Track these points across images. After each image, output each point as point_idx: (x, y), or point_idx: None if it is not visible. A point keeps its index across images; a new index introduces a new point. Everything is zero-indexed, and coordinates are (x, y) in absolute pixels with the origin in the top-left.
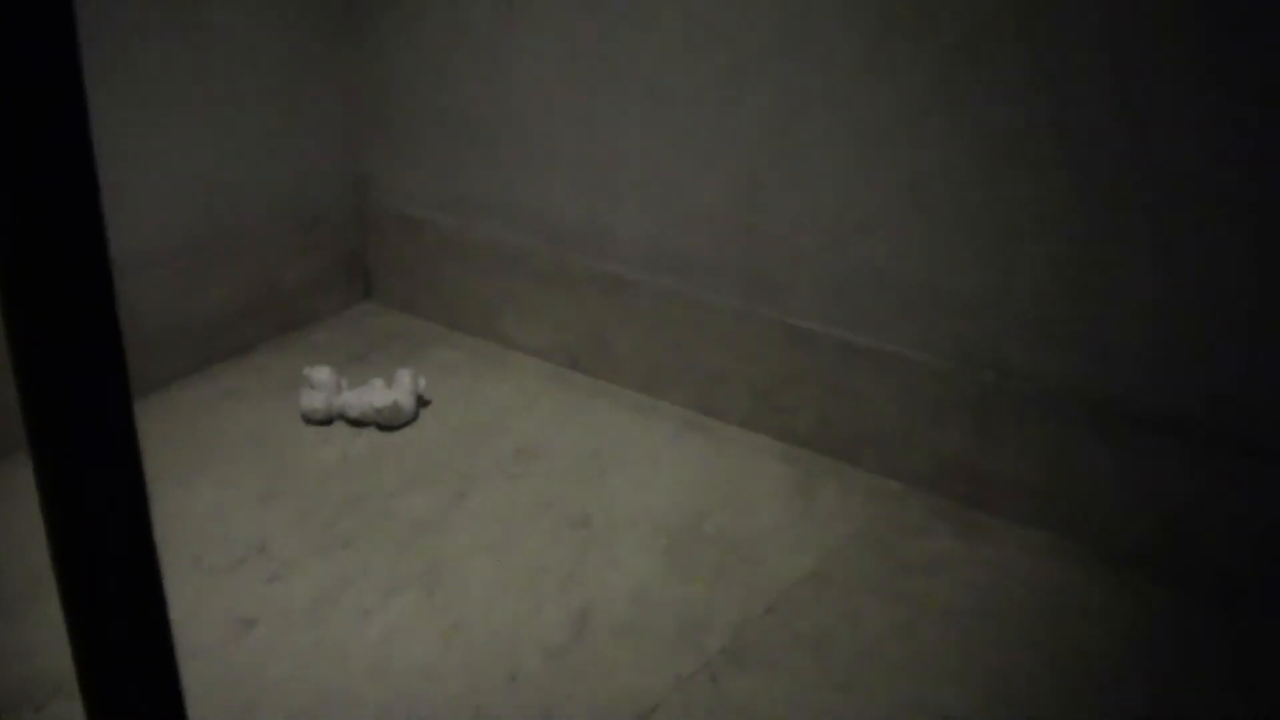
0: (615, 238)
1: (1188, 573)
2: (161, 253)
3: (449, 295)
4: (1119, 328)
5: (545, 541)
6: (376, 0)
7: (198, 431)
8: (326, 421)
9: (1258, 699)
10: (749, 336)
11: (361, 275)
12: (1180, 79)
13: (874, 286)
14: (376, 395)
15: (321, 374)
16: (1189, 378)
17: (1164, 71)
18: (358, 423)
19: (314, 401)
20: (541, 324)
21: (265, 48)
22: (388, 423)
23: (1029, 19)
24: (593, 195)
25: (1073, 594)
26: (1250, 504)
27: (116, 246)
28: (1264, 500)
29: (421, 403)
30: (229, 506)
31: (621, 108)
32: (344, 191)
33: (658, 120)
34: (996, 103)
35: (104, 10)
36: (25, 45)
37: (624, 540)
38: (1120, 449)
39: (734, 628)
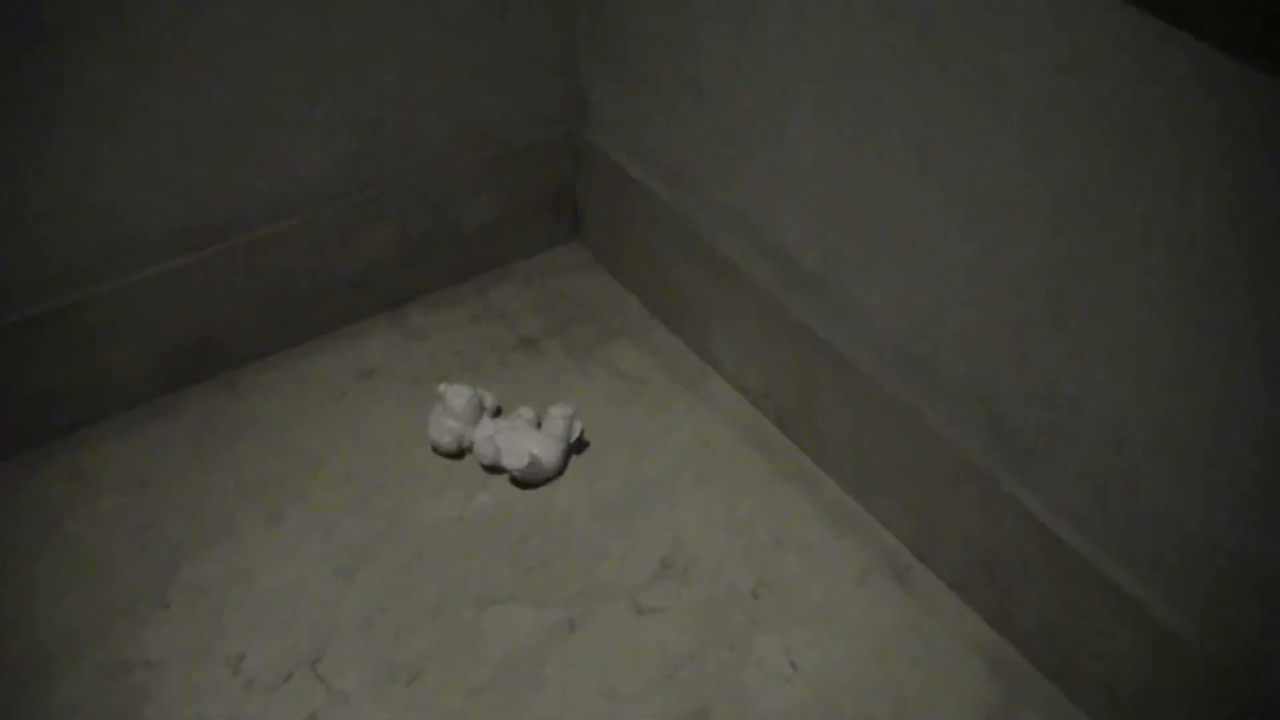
0: (850, 301)
1: None
2: (322, 179)
3: (655, 273)
4: None
5: None
6: None
7: (311, 427)
8: (457, 455)
9: None
10: (983, 490)
11: (570, 212)
12: None
13: (1167, 527)
14: (516, 445)
15: (459, 398)
16: None
17: None
18: (492, 467)
19: (443, 436)
20: (751, 359)
21: None
22: (524, 479)
23: None
24: (833, 238)
25: None
26: None
27: None
28: None
29: (575, 447)
30: (299, 580)
31: (893, 141)
32: (556, 119)
33: (940, 174)
34: None
35: None
36: None
37: None
38: None
39: None
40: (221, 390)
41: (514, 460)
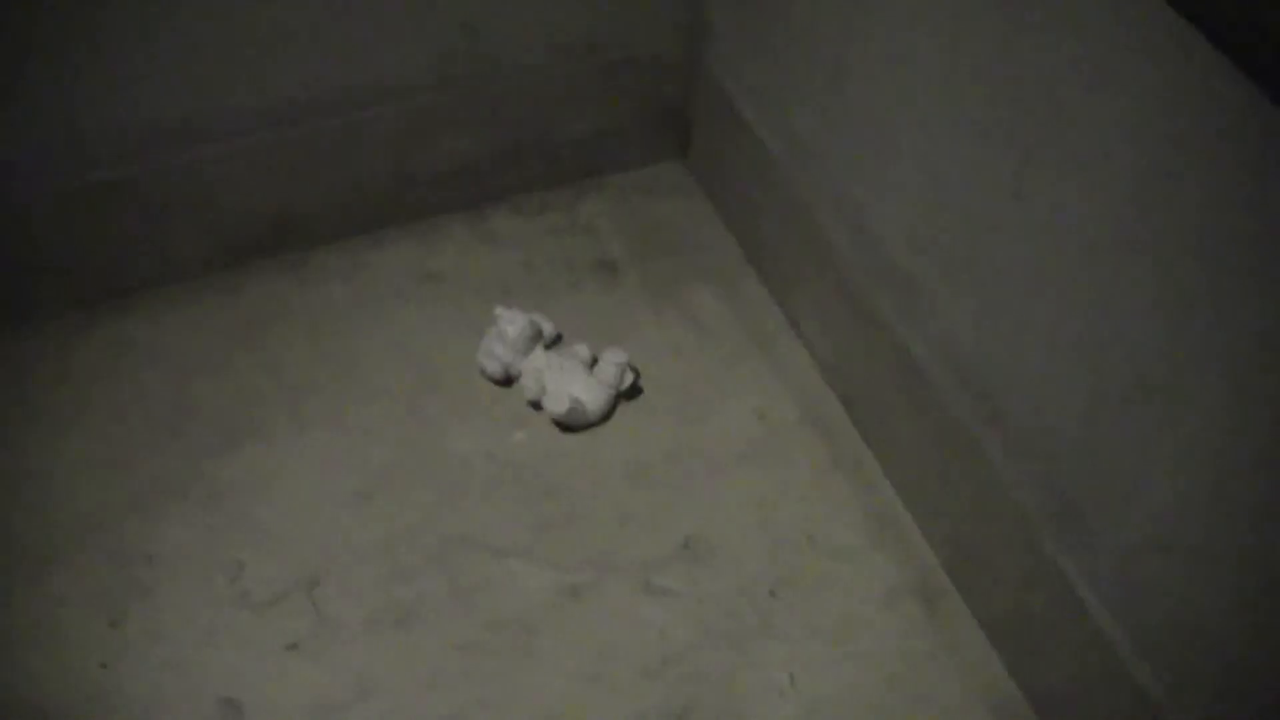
0: (933, 309)
1: None
2: (407, 75)
3: (752, 219)
4: None
5: None
6: None
7: (363, 330)
8: (504, 383)
9: None
10: (1027, 542)
11: (678, 130)
12: None
13: (1196, 639)
14: (561, 386)
15: (513, 325)
16: None
17: None
18: (534, 403)
19: (491, 362)
20: (828, 335)
21: None
22: (567, 422)
23: None
24: (927, 241)
25: None
26: None
27: None
28: None
29: (628, 392)
30: (316, 497)
31: (995, 159)
32: (671, 36)
33: (1038, 208)
34: None
35: None
36: None
37: None
38: None
39: None
40: (285, 271)
41: (555, 404)
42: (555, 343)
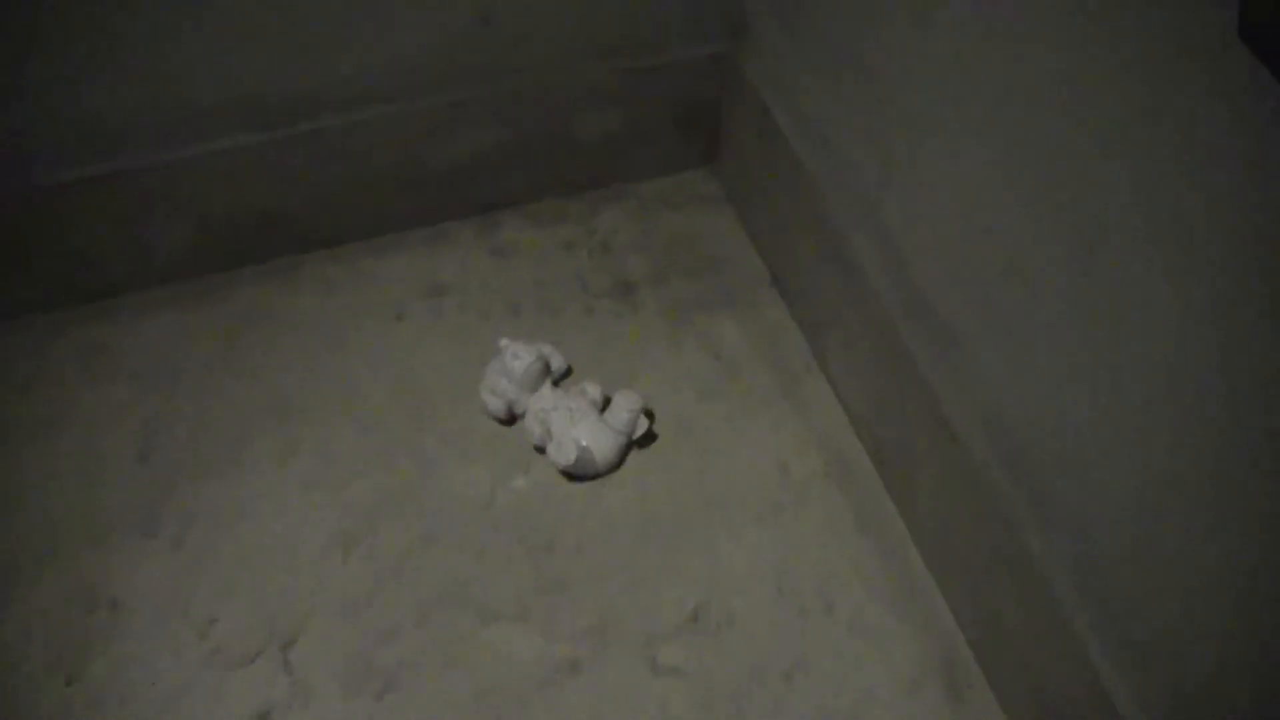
0: (973, 364)
1: None
2: (417, 69)
3: (782, 239)
4: None
5: None
6: None
7: (357, 347)
8: (506, 421)
9: None
10: (1056, 627)
11: (706, 136)
12: None
13: None
14: (567, 432)
15: (518, 362)
16: None
17: None
18: (538, 447)
19: (493, 399)
20: (859, 378)
21: None
22: (573, 472)
23: None
24: (971, 293)
25: None
26: None
27: None
28: None
29: (640, 440)
30: (295, 539)
31: (1060, 230)
32: (705, 34)
33: (1105, 286)
34: None
35: None
36: None
37: None
38: None
39: None
40: (277, 277)
41: (561, 453)
42: (564, 377)
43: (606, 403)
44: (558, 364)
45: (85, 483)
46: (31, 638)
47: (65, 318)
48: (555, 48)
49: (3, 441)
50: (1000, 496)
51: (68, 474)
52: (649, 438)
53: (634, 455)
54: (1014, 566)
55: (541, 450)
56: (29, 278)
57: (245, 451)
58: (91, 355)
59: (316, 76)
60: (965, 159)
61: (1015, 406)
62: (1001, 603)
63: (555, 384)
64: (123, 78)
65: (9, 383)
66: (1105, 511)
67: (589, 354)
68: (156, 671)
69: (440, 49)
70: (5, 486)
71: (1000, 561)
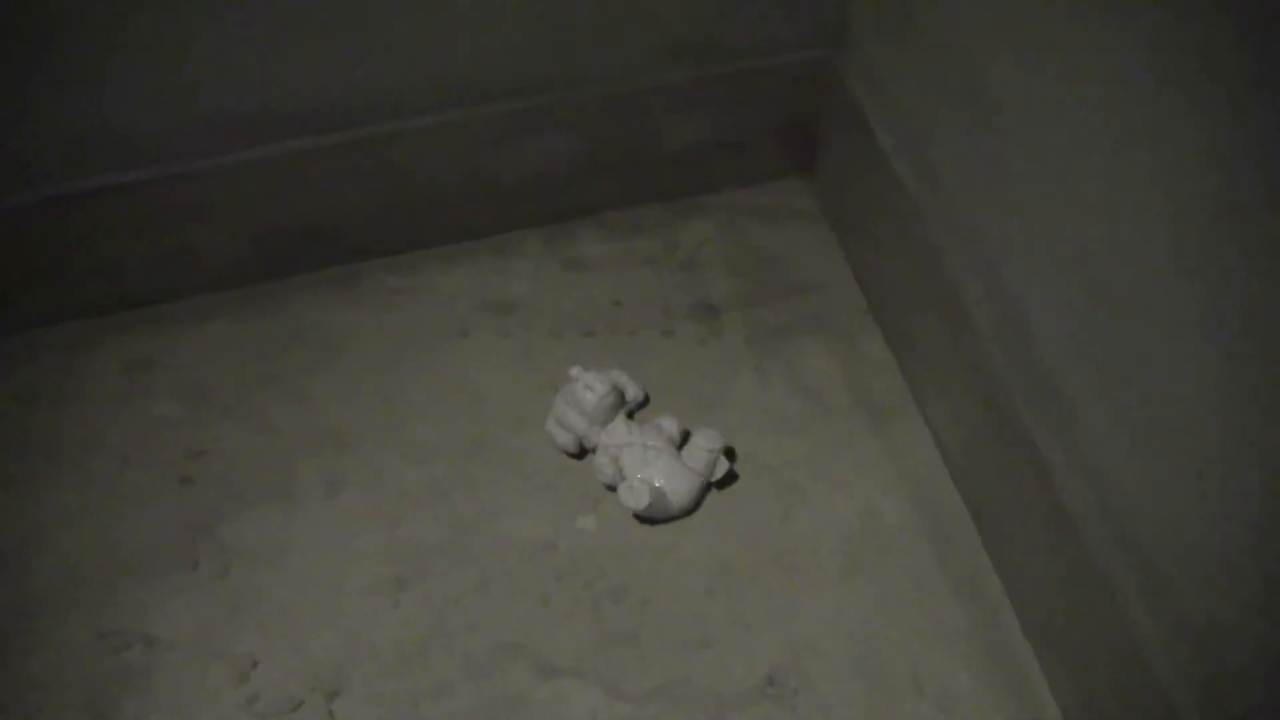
0: (1078, 417)
1: None
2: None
3: (880, 262)
4: None
5: None
6: None
7: (415, 370)
8: (576, 455)
9: None
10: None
11: (802, 144)
12: None
13: None
14: (640, 473)
15: (591, 393)
16: None
17: None
18: (608, 486)
19: (560, 433)
20: (957, 422)
21: None
22: (646, 515)
23: None
24: (1096, 355)
25: None
26: None
27: None
28: None
29: (720, 481)
30: (342, 579)
31: (1182, 299)
32: (803, 40)
33: (1224, 346)
34: None
35: None
36: None
37: None
38: None
39: None
40: (332, 288)
41: (632, 496)
42: (640, 407)
43: (684, 437)
44: (633, 394)
45: (118, 509)
46: (62, 676)
47: (104, 326)
48: (639, 46)
49: (24, 465)
50: (1106, 573)
51: (97, 500)
52: (729, 478)
53: (711, 497)
54: (1119, 650)
55: (612, 489)
56: (66, 285)
57: (288, 482)
58: (125, 370)
59: (375, 83)
60: (1101, 201)
61: (1129, 480)
62: (1104, 686)
63: (630, 415)
64: (172, 77)
65: (40, 398)
66: (1228, 615)
67: (665, 380)
68: (191, 718)
69: (514, 50)
70: (36, 512)
71: (1104, 640)
